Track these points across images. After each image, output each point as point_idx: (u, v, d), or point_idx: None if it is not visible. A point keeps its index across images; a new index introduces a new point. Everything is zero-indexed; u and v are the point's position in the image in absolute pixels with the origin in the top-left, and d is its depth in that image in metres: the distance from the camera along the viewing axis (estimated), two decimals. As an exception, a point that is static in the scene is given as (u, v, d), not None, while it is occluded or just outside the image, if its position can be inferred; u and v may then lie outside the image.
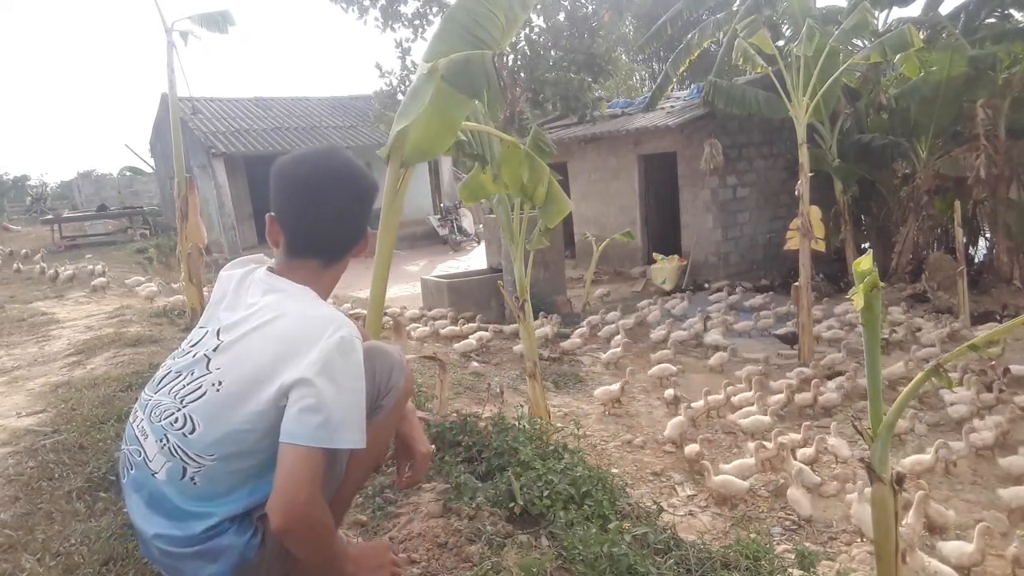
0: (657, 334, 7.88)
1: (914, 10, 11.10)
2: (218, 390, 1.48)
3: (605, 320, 8.60)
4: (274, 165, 1.63)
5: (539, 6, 11.43)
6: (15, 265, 11.52)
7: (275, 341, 1.48)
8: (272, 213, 1.63)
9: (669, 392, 5.72)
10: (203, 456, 1.47)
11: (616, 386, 5.74)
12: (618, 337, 7.69)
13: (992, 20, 10.82)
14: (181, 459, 1.48)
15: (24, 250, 13.24)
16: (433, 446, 1.73)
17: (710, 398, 5.57)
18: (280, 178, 1.61)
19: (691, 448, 4.71)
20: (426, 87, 2.67)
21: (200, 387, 1.50)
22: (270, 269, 1.64)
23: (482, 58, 2.58)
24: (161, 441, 1.50)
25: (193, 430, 1.48)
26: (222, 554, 1.48)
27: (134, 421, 1.60)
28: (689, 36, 11.36)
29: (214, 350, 1.53)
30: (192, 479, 1.47)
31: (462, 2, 3.05)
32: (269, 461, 1.47)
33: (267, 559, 1.53)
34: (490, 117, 3.88)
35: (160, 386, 1.58)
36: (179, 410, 1.50)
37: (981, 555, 3.40)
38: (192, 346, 1.59)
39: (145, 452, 1.53)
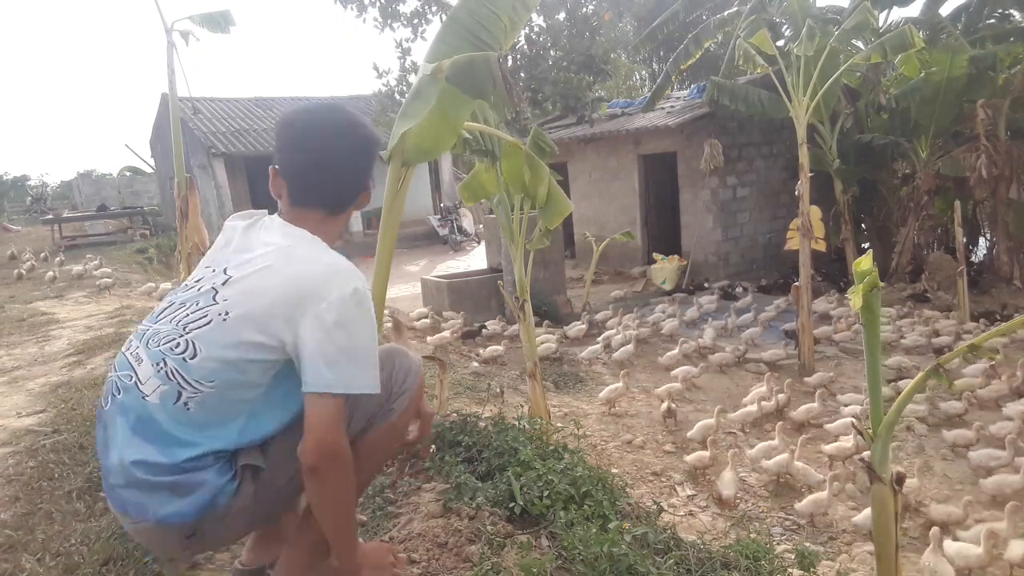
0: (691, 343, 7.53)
1: (914, 10, 11.10)
2: (224, 319, 1.49)
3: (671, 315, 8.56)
4: (279, 119, 1.67)
5: (539, 5, 11.42)
6: (51, 272, 10.48)
7: (289, 282, 1.50)
8: (275, 166, 1.66)
9: (664, 406, 5.52)
10: (201, 383, 1.47)
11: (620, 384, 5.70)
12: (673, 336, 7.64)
13: (992, 20, 10.82)
14: (178, 383, 1.47)
15: (59, 258, 12.65)
16: (435, 410, 1.81)
17: (763, 403, 5.44)
18: (284, 129, 1.65)
19: (699, 455, 4.63)
20: (429, 88, 2.67)
21: (206, 316, 1.51)
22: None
23: (486, 60, 2.58)
24: (158, 365, 1.50)
25: (194, 355, 1.48)
26: (195, 490, 1.47)
27: (127, 349, 1.58)
28: (690, 36, 11.35)
29: (223, 284, 1.54)
30: (186, 404, 1.47)
31: (464, 3, 3.05)
32: (265, 399, 1.50)
33: (233, 511, 1.52)
34: (498, 120, 3.88)
35: (160, 317, 1.58)
36: (181, 336, 1.50)
37: (989, 557, 3.36)
38: (196, 282, 1.60)
39: (138, 376, 1.52)
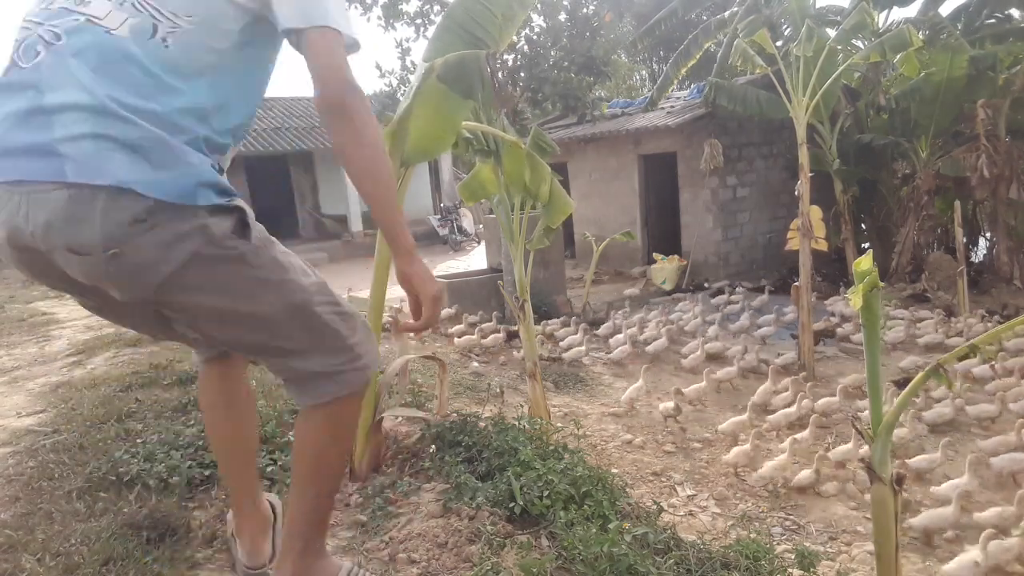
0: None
1: (914, 11, 11.11)
2: None
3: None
4: None
5: (539, 6, 11.43)
6: None
7: None
8: None
9: (667, 405, 5.45)
10: (179, 15, 1.30)
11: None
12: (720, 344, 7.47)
13: (992, 21, 10.82)
14: (151, 15, 1.28)
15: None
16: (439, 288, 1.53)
17: (804, 402, 5.39)
18: None
19: (740, 451, 4.66)
20: (426, 87, 2.67)
21: None
22: None
23: (476, 57, 2.59)
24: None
25: None
26: (179, 165, 1.24)
27: (50, 3, 1.32)
28: (690, 37, 11.35)
29: None
30: (164, 40, 1.27)
31: (460, 1, 3.05)
32: (233, 57, 1.38)
33: (195, 227, 1.29)
34: (487, 118, 3.89)
35: None
36: None
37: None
38: None
39: (90, 14, 1.26)
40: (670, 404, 5.43)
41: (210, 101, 1.34)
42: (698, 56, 11.22)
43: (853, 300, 2.49)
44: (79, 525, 2.43)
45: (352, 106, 1.37)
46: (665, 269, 11.18)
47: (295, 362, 1.48)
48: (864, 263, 2.46)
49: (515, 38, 11.80)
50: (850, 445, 4.59)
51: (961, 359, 2.46)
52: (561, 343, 7.39)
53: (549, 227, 4.48)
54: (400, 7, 12.02)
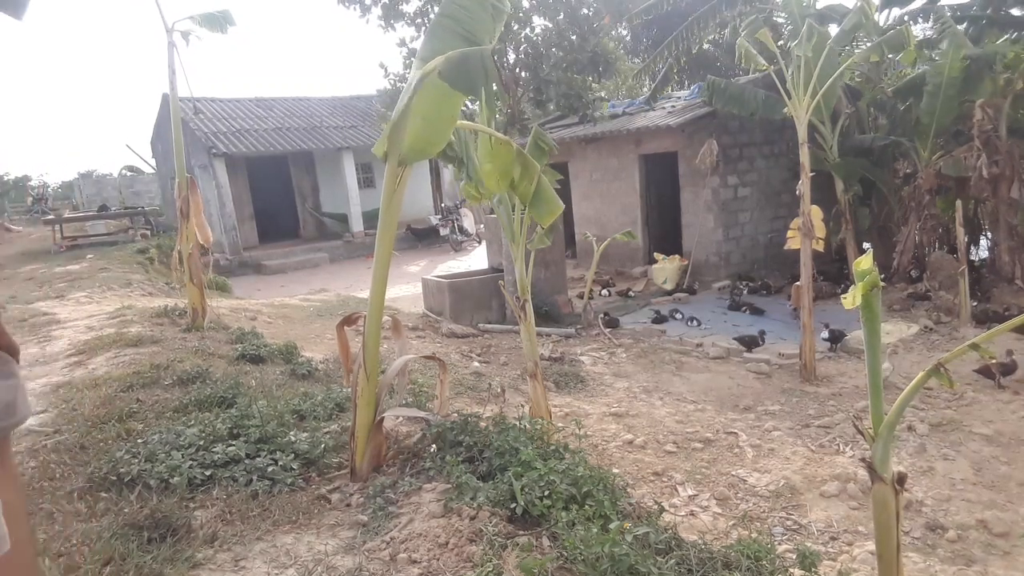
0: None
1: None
2: None
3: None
4: None
5: (540, 7, 11.45)
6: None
7: None
8: None
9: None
10: None
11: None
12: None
13: (991, 21, 10.80)
14: None
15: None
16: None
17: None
18: None
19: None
20: (424, 85, 2.67)
21: None
22: None
23: (480, 54, 2.59)
24: None
25: None
26: None
27: None
28: (685, 30, 11.32)
29: None
30: None
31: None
32: None
33: None
34: (489, 115, 3.87)
35: None
36: None
37: None
38: None
39: None
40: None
41: None
42: (696, 51, 11.19)
43: (853, 299, 2.48)
44: (80, 525, 2.43)
45: None
46: (666, 269, 11.17)
47: None
48: (865, 262, 2.46)
49: (517, 38, 11.80)
50: None
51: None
52: None
53: (542, 226, 4.45)
54: (400, 7, 12.01)
